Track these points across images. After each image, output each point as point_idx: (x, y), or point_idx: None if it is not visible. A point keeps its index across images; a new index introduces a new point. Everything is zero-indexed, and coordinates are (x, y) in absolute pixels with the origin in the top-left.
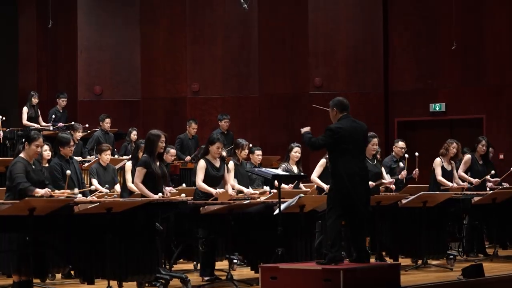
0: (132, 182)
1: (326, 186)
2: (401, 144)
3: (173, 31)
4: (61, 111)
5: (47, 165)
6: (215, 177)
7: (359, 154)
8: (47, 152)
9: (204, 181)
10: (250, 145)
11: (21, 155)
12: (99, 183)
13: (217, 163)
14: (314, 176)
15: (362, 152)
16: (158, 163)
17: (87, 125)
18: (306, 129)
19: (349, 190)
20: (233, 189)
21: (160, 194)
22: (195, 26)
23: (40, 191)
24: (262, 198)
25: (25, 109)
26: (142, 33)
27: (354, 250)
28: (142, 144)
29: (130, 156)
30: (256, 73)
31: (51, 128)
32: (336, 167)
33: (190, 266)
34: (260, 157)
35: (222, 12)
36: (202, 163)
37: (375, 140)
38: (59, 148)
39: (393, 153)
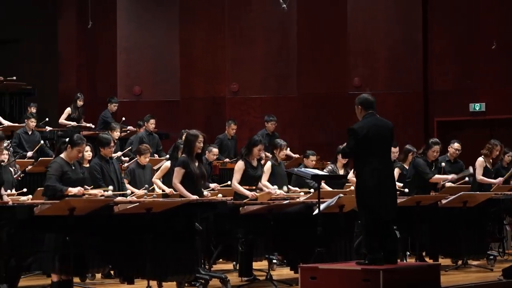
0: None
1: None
2: (456, 145)
3: (213, 32)
4: (111, 114)
5: (87, 165)
6: (253, 177)
7: (384, 152)
8: (88, 153)
9: (243, 181)
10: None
11: (62, 155)
12: (137, 183)
13: (255, 163)
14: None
15: (386, 151)
16: (197, 163)
17: (123, 118)
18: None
19: (371, 190)
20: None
21: (196, 196)
22: (234, 27)
23: (73, 190)
24: (302, 199)
25: (67, 110)
26: (181, 34)
27: (382, 250)
28: (181, 144)
29: (169, 156)
30: (295, 73)
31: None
32: (359, 166)
33: (229, 266)
34: (314, 162)
35: (261, 12)
36: (240, 165)
37: (437, 147)
38: (100, 149)
39: (448, 154)
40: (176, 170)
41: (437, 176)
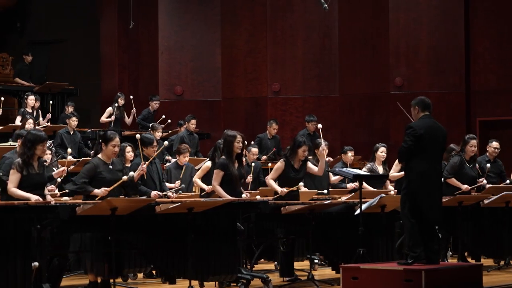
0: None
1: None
2: (495, 144)
3: (254, 32)
4: (152, 112)
5: (129, 165)
6: (293, 179)
7: (436, 156)
8: (130, 153)
9: (282, 182)
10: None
11: (99, 155)
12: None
13: (298, 165)
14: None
15: (438, 154)
16: (236, 165)
17: (163, 116)
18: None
19: (419, 191)
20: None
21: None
22: (276, 27)
23: (97, 192)
24: (343, 198)
25: (109, 109)
26: (223, 34)
27: (424, 250)
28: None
29: (210, 156)
30: (337, 73)
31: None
32: (410, 166)
33: (271, 266)
34: (352, 157)
35: (303, 13)
36: (280, 165)
37: (474, 142)
38: (142, 148)
39: (487, 154)
40: (215, 172)
41: (453, 180)
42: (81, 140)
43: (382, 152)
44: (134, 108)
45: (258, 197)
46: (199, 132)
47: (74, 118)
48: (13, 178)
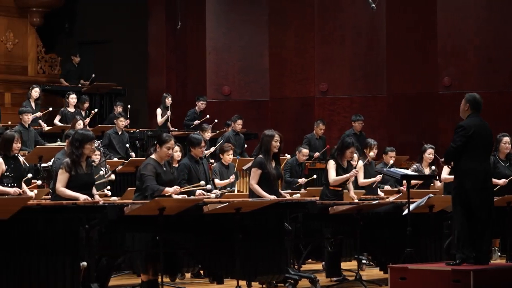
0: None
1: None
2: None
3: (302, 32)
4: (198, 113)
5: (176, 165)
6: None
7: (484, 154)
8: (177, 153)
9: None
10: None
11: (153, 156)
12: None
13: (345, 165)
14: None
15: (487, 153)
16: (273, 164)
17: (207, 116)
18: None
19: (469, 191)
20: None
21: (274, 196)
22: (323, 27)
23: (169, 190)
24: (391, 198)
25: (158, 111)
26: (270, 34)
27: (473, 250)
28: None
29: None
30: (384, 73)
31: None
32: (460, 165)
33: (318, 266)
34: (393, 158)
35: (351, 13)
36: (332, 163)
37: (507, 138)
38: (190, 149)
39: None
40: (253, 171)
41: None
42: (128, 140)
43: (430, 154)
44: (169, 111)
45: (297, 195)
46: (247, 132)
47: (122, 119)
48: (62, 178)
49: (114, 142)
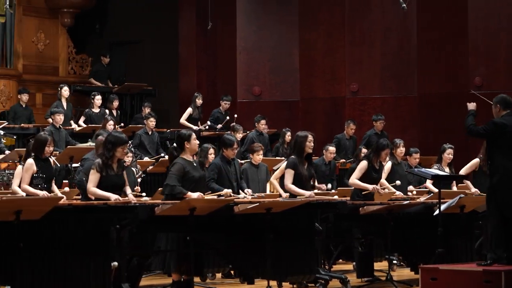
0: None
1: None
2: None
3: (332, 32)
4: (223, 113)
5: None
6: (375, 180)
7: None
8: (212, 155)
9: (364, 181)
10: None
11: (181, 156)
12: (249, 182)
13: (378, 166)
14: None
15: None
16: (306, 165)
17: (235, 116)
18: (472, 105)
19: (503, 189)
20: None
21: (310, 193)
22: (354, 27)
23: (192, 195)
24: (422, 199)
25: (189, 110)
26: (301, 34)
27: (505, 251)
28: None
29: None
30: (415, 73)
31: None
32: (494, 164)
33: (349, 266)
34: (417, 160)
35: (381, 13)
36: (364, 164)
37: None
38: (223, 149)
39: None
40: (286, 171)
41: None
42: (159, 140)
43: (449, 154)
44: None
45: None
46: (276, 132)
47: (152, 119)
48: (93, 178)
49: (144, 142)
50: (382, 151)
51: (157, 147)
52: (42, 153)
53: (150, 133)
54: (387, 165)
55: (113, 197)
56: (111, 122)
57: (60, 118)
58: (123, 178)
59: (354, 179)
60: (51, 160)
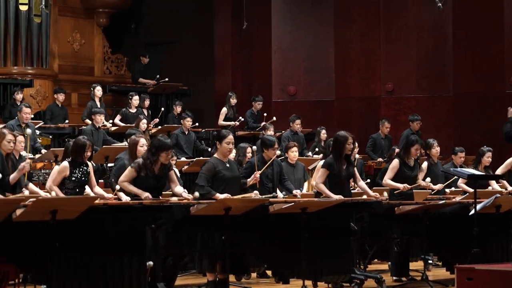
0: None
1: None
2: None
3: (367, 31)
4: (256, 113)
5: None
6: (409, 177)
7: None
8: (249, 154)
9: (399, 181)
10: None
11: (215, 155)
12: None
13: (412, 163)
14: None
15: None
16: (345, 165)
17: (274, 118)
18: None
19: None
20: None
21: (340, 196)
22: (389, 26)
23: (220, 196)
24: (458, 198)
25: (224, 110)
26: (336, 34)
27: None
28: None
29: (322, 156)
30: (451, 72)
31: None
32: None
33: (384, 266)
34: (462, 158)
35: (417, 12)
36: (395, 163)
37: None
38: (263, 149)
39: None
40: (320, 171)
41: None
42: (196, 139)
43: (488, 157)
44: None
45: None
46: (312, 132)
47: (188, 119)
48: (128, 174)
49: (181, 142)
50: (411, 147)
51: (194, 146)
52: (81, 158)
53: (186, 132)
54: (423, 165)
55: (145, 194)
56: (144, 121)
57: (101, 118)
58: (163, 181)
59: (386, 179)
60: (90, 164)
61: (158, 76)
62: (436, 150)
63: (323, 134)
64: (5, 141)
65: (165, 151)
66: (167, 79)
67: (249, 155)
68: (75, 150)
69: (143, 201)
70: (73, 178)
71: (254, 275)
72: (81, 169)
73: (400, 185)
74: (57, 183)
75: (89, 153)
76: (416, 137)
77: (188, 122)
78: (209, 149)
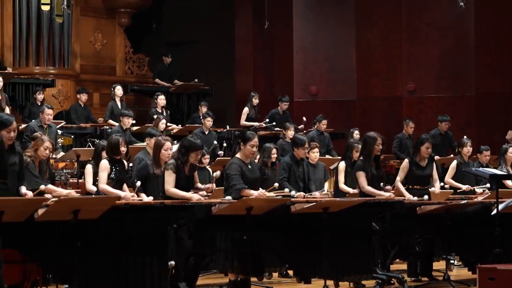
0: (345, 183)
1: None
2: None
3: (389, 31)
4: (281, 113)
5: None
6: (419, 176)
7: None
8: (275, 155)
9: (410, 180)
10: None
11: (237, 155)
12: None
13: (423, 162)
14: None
15: None
16: (374, 166)
17: (304, 119)
18: None
19: None
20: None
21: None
22: (410, 26)
23: (254, 193)
24: (480, 198)
25: (245, 110)
26: (357, 33)
27: None
28: (355, 144)
29: (343, 155)
30: (473, 72)
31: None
32: None
33: (406, 266)
34: (488, 157)
35: (438, 11)
36: (405, 163)
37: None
38: (293, 149)
39: None
40: (358, 175)
41: None
42: (216, 139)
43: (511, 153)
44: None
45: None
46: (333, 132)
47: (209, 118)
48: (170, 179)
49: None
50: (421, 146)
51: (214, 146)
52: (117, 154)
53: (206, 132)
54: (452, 164)
55: (195, 197)
56: (163, 121)
57: (128, 121)
58: (192, 181)
59: (397, 182)
60: (125, 163)
61: (196, 80)
62: (468, 149)
63: (356, 134)
64: (42, 147)
65: (195, 151)
66: (196, 80)
67: (274, 156)
68: (110, 148)
69: (164, 201)
70: (112, 176)
71: (275, 274)
72: (118, 167)
73: (463, 186)
74: (105, 182)
75: (123, 148)
76: (427, 135)
77: (208, 122)
78: (221, 153)
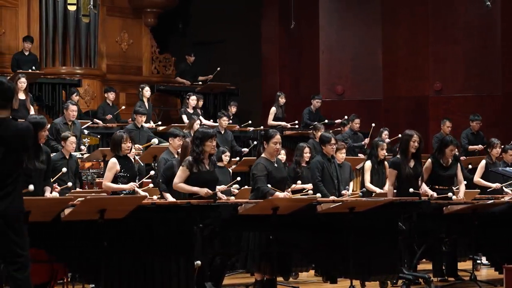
0: (371, 182)
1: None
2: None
3: (415, 31)
4: (314, 111)
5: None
6: (442, 177)
7: None
8: (307, 154)
9: (433, 181)
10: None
11: (263, 155)
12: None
13: (447, 163)
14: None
15: None
16: (412, 163)
17: (345, 117)
18: None
19: None
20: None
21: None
22: (437, 25)
23: (279, 195)
24: (506, 198)
25: (273, 109)
26: (383, 33)
27: None
28: (380, 142)
29: (368, 154)
30: (500, 71)
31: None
32: None
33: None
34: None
35: (464, 11)
36: (428, 163)
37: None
38: (322, 147)
39: None
40: (389, 171)
41: None
42: (232, 139)
43: None
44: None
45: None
46: (360, 131)
47: (225, 118)
48: (181, 174)
49: (217, 141)
50: (446, 148)
51: (231, 145)
52: (119, 151)
53: (222, 132)
54: (481, 164)
55: (203, 190)
56: (198, 122)
57: (141, 119)
58: (215, 175)
59: (423, 182)
60: (133, 159)
61: (218, 68)
62: (497, 150)
63: (385, 135)
64: (124, 145)
65: (209, 139)
66: (218, 68)
67: (306, 155)
68: (113, 144)
69: (190, 201)
70: (121, 173)
71: (302, 274)
72: (126, 164)
73: (493, 185)
74: (109, 180)
75: (128, 144)
76: (452, 137)
77: (224, 121)
78: (245, 150)
